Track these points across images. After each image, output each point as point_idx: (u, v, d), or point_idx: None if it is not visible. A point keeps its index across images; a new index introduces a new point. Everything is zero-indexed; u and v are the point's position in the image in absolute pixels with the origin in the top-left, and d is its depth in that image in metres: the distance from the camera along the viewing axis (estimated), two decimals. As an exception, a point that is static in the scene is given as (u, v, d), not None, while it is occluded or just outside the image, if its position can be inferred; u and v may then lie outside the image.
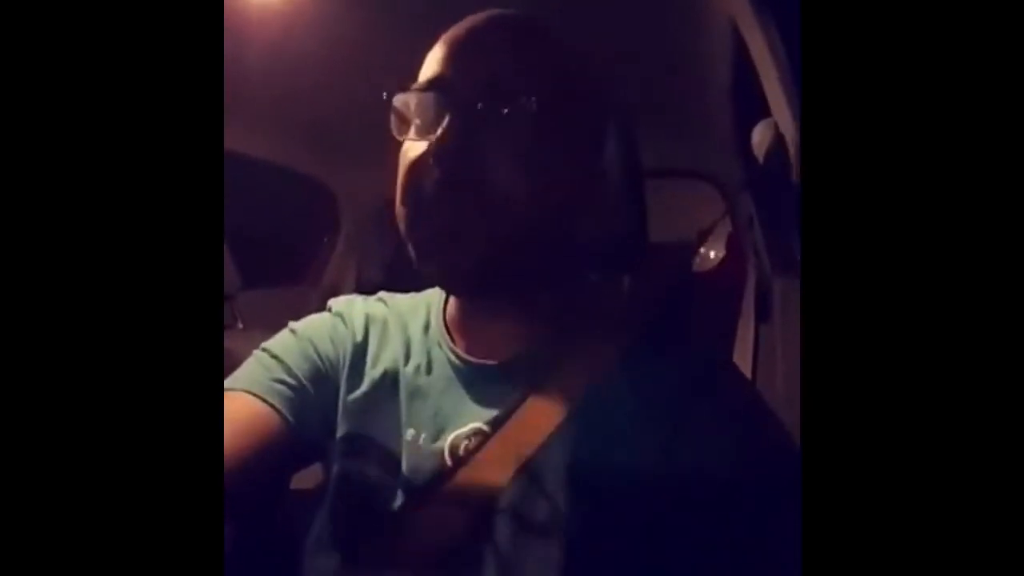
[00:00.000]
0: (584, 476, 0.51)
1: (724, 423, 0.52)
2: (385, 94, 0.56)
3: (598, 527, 0.50)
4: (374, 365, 0.61)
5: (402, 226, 0.55)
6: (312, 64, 1.21)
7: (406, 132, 0.55)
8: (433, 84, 0.53)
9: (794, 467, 0.39)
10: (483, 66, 0.52)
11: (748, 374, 1.63)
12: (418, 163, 0.53)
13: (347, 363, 0.62)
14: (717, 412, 0.52)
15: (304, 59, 1.19)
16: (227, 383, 0.59)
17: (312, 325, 0.64)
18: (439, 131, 0.51)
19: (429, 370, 0.59)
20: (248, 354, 0.63)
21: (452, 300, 0.62)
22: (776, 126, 0.89)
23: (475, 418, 0.55)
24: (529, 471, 0.52)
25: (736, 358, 1.79)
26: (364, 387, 0.60)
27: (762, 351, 1.72)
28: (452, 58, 0.53)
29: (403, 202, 0.55)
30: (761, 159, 0.92)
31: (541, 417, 0.53)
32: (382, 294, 0.68)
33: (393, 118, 0.56)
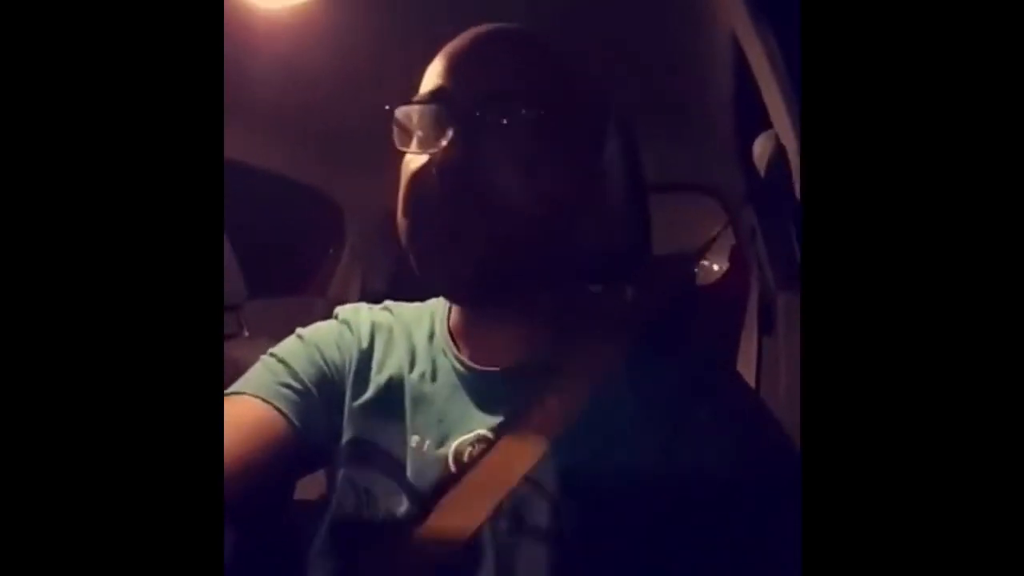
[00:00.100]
0: (586, 478, 0.52)
1: (724, 424, 0.52)
2: (387, 106, 0.57)
3: (600, 529, 0.50)
4: (379, 372, 0.61)
5: (403, 237, 0.56)
6: (318, 76, 1.22)
7: (408, 144, 0.56)
8: (435, 96, 0.54)
9: (794, 468, 0.39)
10: (484, 78, 0.53)
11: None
12: (420, 175, 0.54)
13: (353, 369, 0.62)
14: (717, 413, 0.53)
15: (310, 72, 1.20)
16: (234, 387, 0.59)
17: (319, 331, 0.65)
18: (442, 144, 0.52)
19: (434, 377, 0.60)
20: (253, 362, 0.63)
21: (455, 308, 0.62)
22: (777, 138, 0.90)
23: (479, 425, 0.56)
24: (532, 476, 0.52)
25: (739, 370, 1.79)
26: (369, 393, 0.60)
27: (765, 363, 1.72)
28: (453, 71, 0.54)
29: (404, 213, 0.56)
30: (762, 171, 0.92)
31: (545, 423, 0.54)
32: (387, 303, 0.69)
33: (395, 130, 0.56)
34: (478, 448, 0.55)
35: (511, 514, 0.52)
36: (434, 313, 0.65)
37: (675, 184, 1.93)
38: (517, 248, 0.52)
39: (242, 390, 0.58)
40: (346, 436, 0.60)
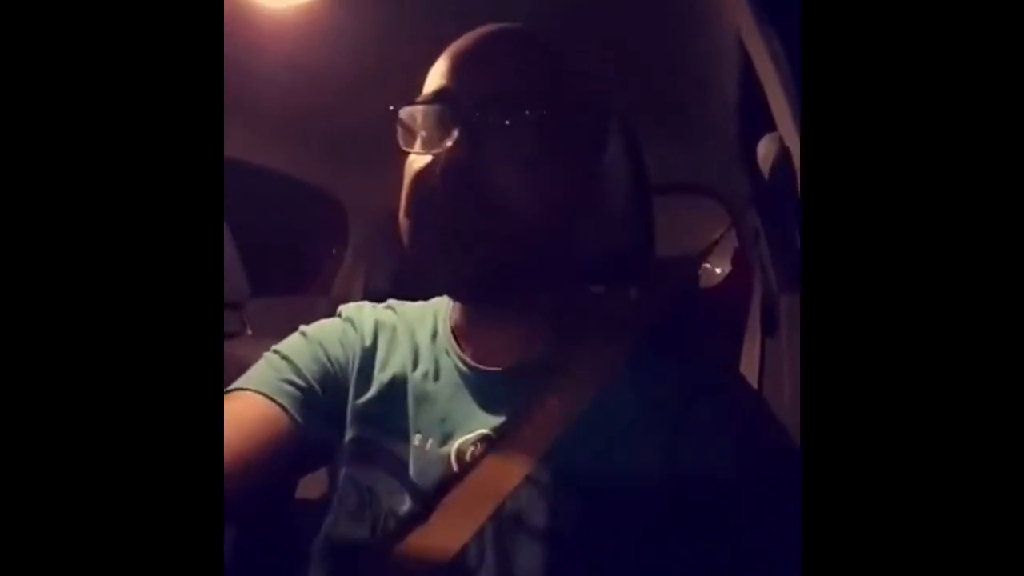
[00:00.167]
0: (587, 479, 0.52)
1: (725, 425, 0.52)
2: (391, 107, 0.57)
3: (601, 529, 0.50)
4: (382, 370, 0.62)
5: (405, 237, 0.56)
6: (322, 76, 1.22)
7: (412, 144, 0.56)
8: (438, 97, 0.54)
9: (795, 469, 0.39)
10: (488, 79, 0.53)
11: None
12: (423, 175, 0.54)
13: (356, 367, 0.62)
14: (719, 413, 0.53)
15: (314, 71, 1.20)
16: (237, 383, 0.60)
17: (322, 329, 0.65)
18: (445, 144, 0.52)
19: (437, 377, 0.60)
20: (256, 361, 0.63)
21: (458, 308, 0.62)
22: (781, 140, 0.90)
23: (482, 424, 0.56)
24: (534, 476, 0.52)
25: (742, 372, 1.79)
26: (372, 391, 0.61)
27: (768, 365, 1.72)
28: (457, 71, 0.54)
29: (407, 213, 0.56)
30: (766, 174, 0.92)
31: (546, 424, 0.54)
32: (391, 302, 0.69)
33: (399, 130, 0.57)
34: (480, 448, 0.55)
35: (513, 514, 0.52)
36: (437, 312, 0.65)
37: (678, 186, 1.93)
38: (520, 248, 0.52)
39: (245, 386, 0.59)
40: (349, 434, 0.60)
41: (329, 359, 0.62)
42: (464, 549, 0.52)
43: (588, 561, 0.50)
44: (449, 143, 0.52)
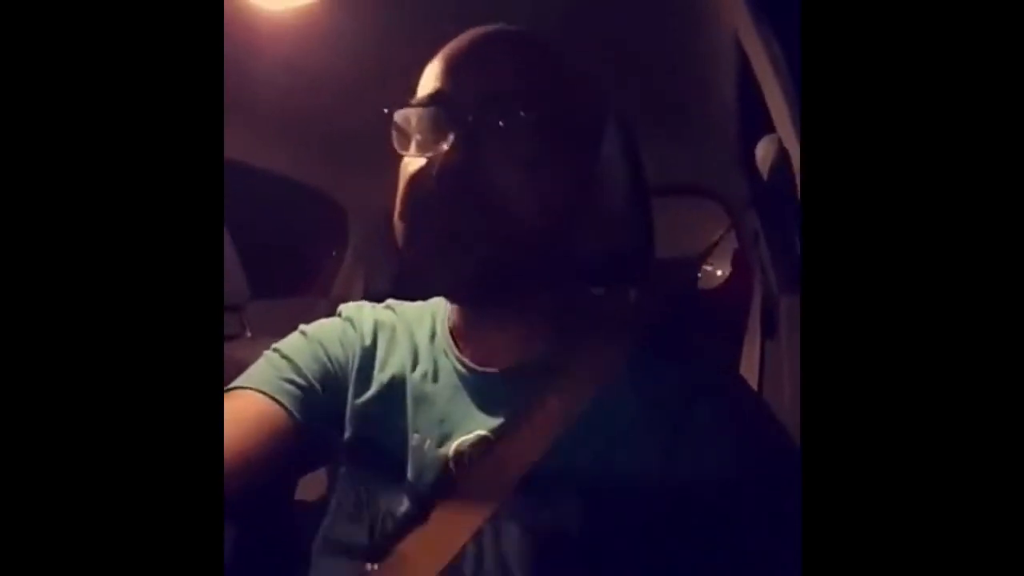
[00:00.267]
0: (587, 480, 0.52)
1: (725, 425, 0.52)
2: (386, 109, 0.57)
3: (601, 530, 0.50)
4: (382, 370, 0.62)
5: (401, 239, 0.56)
6: (322, 78, 1.22)
7: (407, 147, 0.56)
8: (433, 100, 0.54)
9: (795, 469, 0.39)
10: (483, 80, 0.53)
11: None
12: (419, 178, 0.54)
13: (355, 366, 0.62)
14: (718, 414, 0.53)
15: (313, 73, 1.20)
16: (237, 382, 0.60)
17: (322, 328, 0.65)
18: (441, 147, 0.52)
19: (435, 378, 0.60)
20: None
21: (456, 309, 0.62)
22: (780, 142, 0.90)
23: (480, 425, 0.56)
24: (532, 477, 0.52)
25: (742, 373, 1.79)
26: (372, 391, 0.61)
27: (768, 367, 1.72)
28: (451, 73, 0.54)
29: (403, 216, 0.56)
30: (765, 175, 0.92)
31: (545, 425, 0.54)
32: (390, 302, 0.69)
33: (395, 133, 0.57)
34: (479, 449, 0.55)
35: (511, 515, 0.52)
36: (435, 313, 0.65)
37: (677, 187, 1.93)
38: (518, 249, 0.52)
39: (245, 384, 0.59)
40: (347, 434, 0.60)
41: (329, 358, 0.62)
42: (462, 550, 0.52)
43: (588, 562, 0.50)
44: (444, 146, 0.51)
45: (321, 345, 0.63)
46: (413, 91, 0.57)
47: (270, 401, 0.58)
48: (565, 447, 0.53)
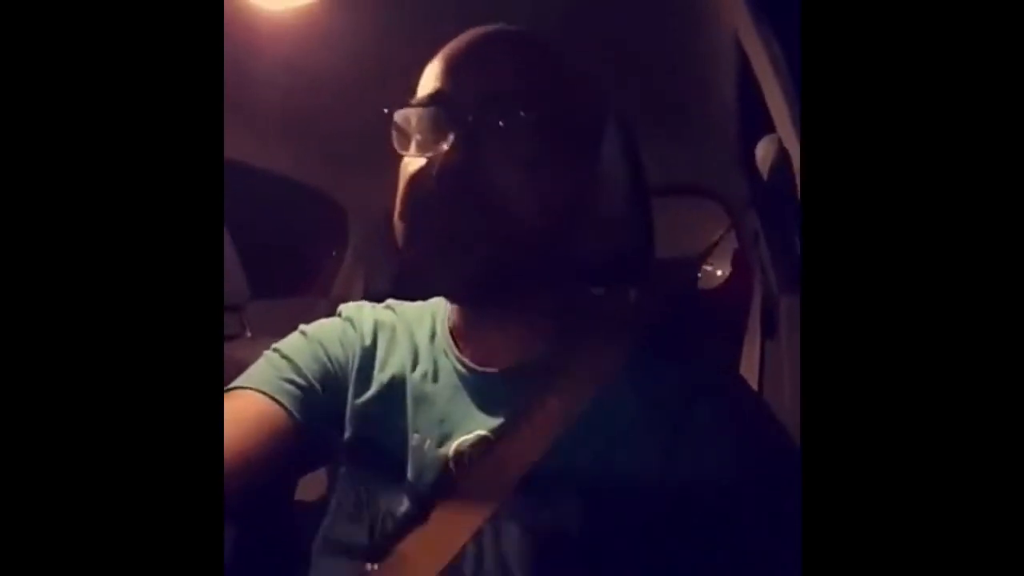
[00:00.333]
0: (587, 480, 0.52)
1: (725, 425, 0.52)
2: (386, 109, 0.57)
3: (601, 530, 0.50)
4: (382, 370, 0.62)
5: (401, 239, 0.56)
6: (322, 78, 1.22)
7: (407, 147, 0.56)
8: (434, 100, 0.54)
9: (795, 469, 0.39)
10: (483, 80, 0.53)
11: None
12: (419, 178, 0.54)
13: (355, 366, 0.62)
14: (718, 414, 0.53)
15: (314, 73, 1.20)
16: (237, 381, 0.60)
17: (322, 328, 0.65)
18: (441, 147, 0.52)
19: (435, 378, 0.60)
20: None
21: (456, 309, 0.62)
22: (780, 141, 0.90)
23: (480, 425, 0.56)
24: (532, 477, 0.52)
25: (742, 373, 1.79)
26: (372, 391, 0.61)
27: (768, 367, 1.72)
28: (451, 73, 0.54)
29: (402, 216, 0.56)
30: (765, 175, 0.92)
31: (546, 425, 0.54)
32: (390, 302, 0.69)
33: (395, 133, 0.57)
34: (478, 449, 0.55)
35: (511, 515, 0.52)
36: (435, 313, 0.65)
37: (678, 187, 1.93)
38: (518, 249, 0.52)
39: (245, 384, 0.59)
40: (347, 434, 0.60)
41: (329, 358, 0.62)
42: (462, 550, 0.52)
43: (588, 562, 0.50)
44: (444, 146, 0.51)
45: (321, 345, 0.63)
46: (413, 91, 0.57)
47: (270, 401, 0.58)
48: (565, 447, 0.53)
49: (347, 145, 1.48)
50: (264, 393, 0.58)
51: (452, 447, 0.56)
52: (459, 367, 0.59)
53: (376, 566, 0.53)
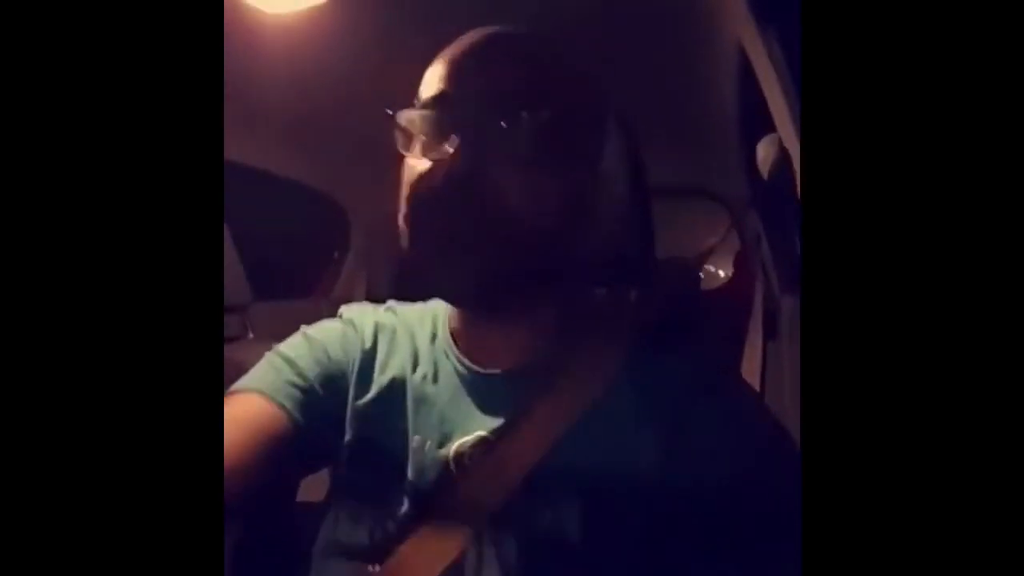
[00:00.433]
0: (587, 480, 0.52)
1: (726, 426, 0.52)
2: (389, 111, 0.57)
3: (601, 530, 0.50)
4: (382, 372, 0.62)
5: (405, 241, 0.56)
6: (325, 81, 1.22)
7: (410, 148, 0.56)
8: (438, 101, 0.54)
9: (795, 470, 0.39)
10: (487, 82, 0.53)
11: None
12: (423, 180, 0.54)
13: (356, 369, 0.62)
14: (719, 414, 0.53)
15: (316, 76, 1.20)
16: (239, 384, 0.60)
17: (323, 330, 0.65)
18: (446, 150, 0.52)
19: (436, 379, 0.60)
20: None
21: (456, 311, 0.62)
22: (780, 142, 0.90)
23: (480, 426, 0.56)
24: (533, 478, 0.52)
25: (743, 375, 1.79)
26: (372, 393, 0.61)
27: (769, 367, 1.72)
28: (456, 75, 0.54)
29: (407, 217, 0.56)
30: (765, 176, 0.92)
31: (546, 425, 0.54)
32: (391, 304, 0.69)
33: (398, 135, 0.57)
34: (479, 450, 0.55)
35: (511, 516, 0.52)
36: (436, 315, 0.65)
37: (679, 188, 1.93)
38: (522, 250, 0.52)
39: (246, 386, 0.59)
40: (348, 435, 0.60)
41: (330, 360, 0.63)
42: (463, 552, 0.52)
43: (588, 562, 0.50)
44: (449, 148, 0.52)
45: (322, 347, 0.63)
46: (415, 93, 0.57)
47: (271, 403, 0.58)
48: (565, 447, 0.53)
49: (349, 147, 1.48)
50: (265, 395, 0.58)
51: (452, 448, 0.56)
52: (459, 368, 0.59)
53: (377, 567, 0.54)
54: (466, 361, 0.59)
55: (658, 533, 0.50)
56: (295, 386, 0.60)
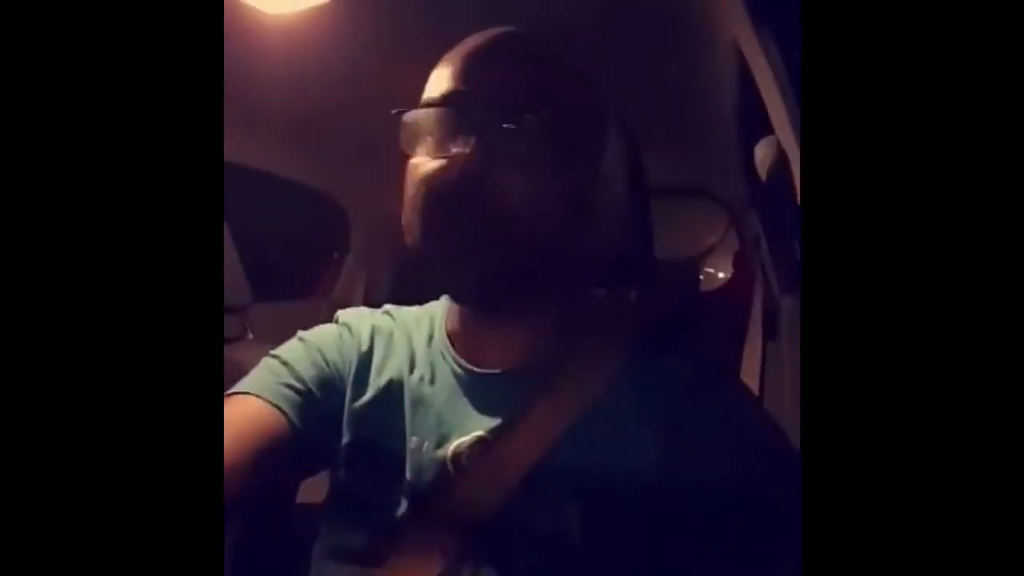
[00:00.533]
0: (586, 480, 0.52)
1: (725, 426, 0.52)
2: (394, 111, 0.57)
3: (600, 531, 0.50)
4: (379, 374, 0.62)
5: (411, 239, 0.56)
6: (325, 82, 1.22)
7: (416, 148, 0.56)
8: (444, 102, 0.54)
9: (795, 470, 0.39)
10: (493, 83, 0.53)
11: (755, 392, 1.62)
12: (431, 179, 0.54)
13: (352, 372, 0.62)
14: (718, 415, 0.53)
15: (317, 77, 1.20)
16: (236, 387, 0.60)
17: (320, 334, 0.65)
18: (453, 149, 0.52)
19: (433, 380, 0.60)
20: (256, 365, 0.63)
21: (455, 311, 0.62)
22: (778, 144, 0.90)
23: (478, 427, 0.56)
24: (531, 478, 0.52)
25: (743, 376, 1.79)
26: (369, 395, 0.61)
27: (769, 369, 1.72)
28: (461, 76, 0.54)
29: (412, 215, 0.56)
30: (764, 177, 0.92)
31: (544, 425, 0.54)
32: (388, 307, 0.69)
33: (404, 135, 0.57)
34: (476, 450, 0.55)
35: (511, 516, 0.52)
36: (433, 317, 0.65)
37: (680, 189, 1.93)
38: (525, 250, 0.53)
39: (244, 390, 0.59)
40: (346, 438, 0.60)
41: (327, 364, 0.63)
42: (462, 552, 0.52)
43: (587, 563, 0.50)
44: (455, 149, 0.52)
45: (319, 351, 0.63)
46: (417, 94, 0.57)
47: (269, 406, 0.58)
48: (565, 447, 0.53)
49: (349, 147, 1.48)
50: (263, 398, 0.58)
51: (450, 449, 0.56)
52: (457, 369, 0.59)
53: (377, 569, 0.54)
54: (463, 362, 0.59)
55: (658, 533, 0.50)
56: (292, 389, 0.60)
